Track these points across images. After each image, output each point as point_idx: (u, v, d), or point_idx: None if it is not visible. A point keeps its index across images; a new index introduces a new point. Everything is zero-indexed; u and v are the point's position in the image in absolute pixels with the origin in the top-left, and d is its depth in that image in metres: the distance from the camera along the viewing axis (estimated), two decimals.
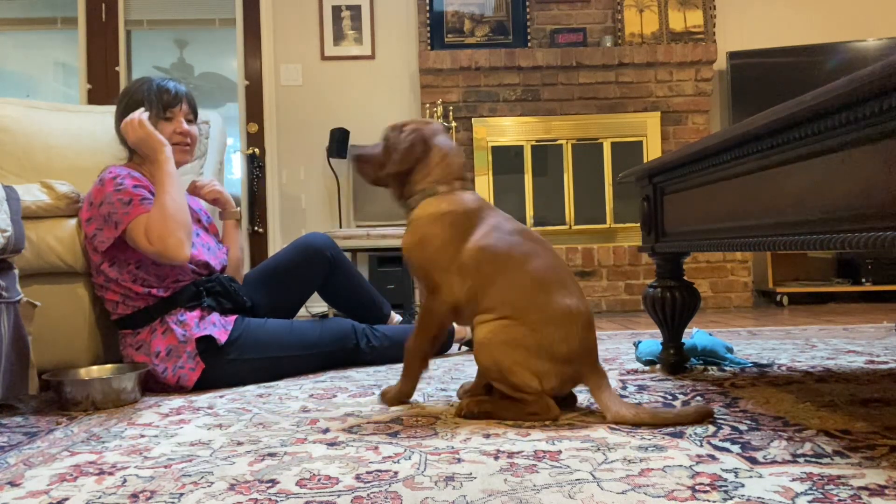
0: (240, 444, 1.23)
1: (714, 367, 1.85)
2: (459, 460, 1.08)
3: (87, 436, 1.34)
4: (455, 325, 2.22)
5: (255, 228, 4.47)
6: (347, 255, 2.73)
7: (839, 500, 0.86)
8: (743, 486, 0.92)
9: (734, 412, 1.33)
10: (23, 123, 2.21)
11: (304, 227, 4.43)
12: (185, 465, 1.11)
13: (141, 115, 1.83)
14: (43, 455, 1.21)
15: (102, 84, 4.52)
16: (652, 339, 2.06)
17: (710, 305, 4.06)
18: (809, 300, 4.15)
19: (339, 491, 0.96)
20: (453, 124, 4.18)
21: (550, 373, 1.32)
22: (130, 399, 1.65)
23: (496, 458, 1.09)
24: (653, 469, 1.00)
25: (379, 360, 2.09)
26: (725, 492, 0.90)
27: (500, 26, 4.38)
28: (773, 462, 1.02)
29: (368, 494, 0.94)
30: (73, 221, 1.84)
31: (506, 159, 4.27)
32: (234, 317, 1.89)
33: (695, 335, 1.92)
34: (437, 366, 2.05)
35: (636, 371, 1.85)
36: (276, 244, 4.41)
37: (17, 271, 1.59)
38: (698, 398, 1.48)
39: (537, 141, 4.27)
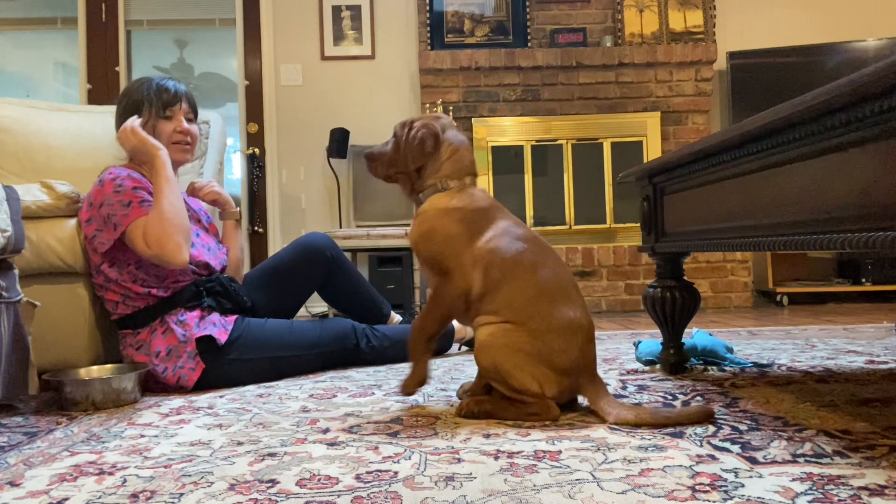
0: (240, 444, 1.23)
1: (714, 367, 1.85)
2: (459, 460, 1.08)
3: (87, 436, 1.34)
4: (455, 324, 2.22)
5: (255, 228, 4.47)
6: (347, 255, 2.73)
7: (839, 500, 0.86)
8: (743, 486, 0.92)
9: (734, 412, 1.33)
10: (23, 123, 2.21)
11: (304, 227, 4.43)
12: (185, 465, 1.11)
13: (133, 123, 1.83)
14: (43, 455, 1.21)
15: (102, 84, 4.52)
16: (652, 339, 2.06)
17: (710, 305, 4.06)
18: (809, 300, 4.15)
19: (339, 491, 0.96)
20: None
21: (550, 380, 1.32)
22: (130, 399, 1.65)
23: (496, 458, 1.09)
24: (653, 469, 1.00)
25: (379, 360, 2.08)
26: (725, 492, 0.90)
27: (500, 26, 4.37)
28: (773, 462, 1.02)
29: (368, 494, 0.94)
30: (73, 221, 1.84)
31: (506, 159, 4.27)
32: (234, 317, 1.89)
33: (695, 335, 1.92)
34: (437, 366, 2.04)
35: (636, 371, 1.85)
36: (276, 244, 4.41)
37: (17, 271, 1.59)
38: (698, 398, 1.48)
39: (537, 141, 4.27)
